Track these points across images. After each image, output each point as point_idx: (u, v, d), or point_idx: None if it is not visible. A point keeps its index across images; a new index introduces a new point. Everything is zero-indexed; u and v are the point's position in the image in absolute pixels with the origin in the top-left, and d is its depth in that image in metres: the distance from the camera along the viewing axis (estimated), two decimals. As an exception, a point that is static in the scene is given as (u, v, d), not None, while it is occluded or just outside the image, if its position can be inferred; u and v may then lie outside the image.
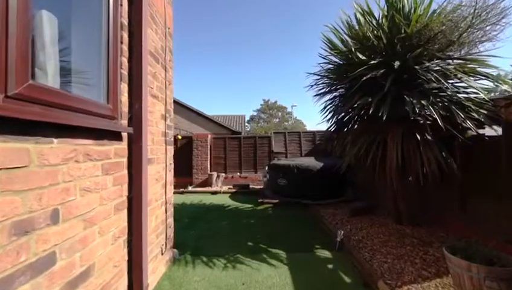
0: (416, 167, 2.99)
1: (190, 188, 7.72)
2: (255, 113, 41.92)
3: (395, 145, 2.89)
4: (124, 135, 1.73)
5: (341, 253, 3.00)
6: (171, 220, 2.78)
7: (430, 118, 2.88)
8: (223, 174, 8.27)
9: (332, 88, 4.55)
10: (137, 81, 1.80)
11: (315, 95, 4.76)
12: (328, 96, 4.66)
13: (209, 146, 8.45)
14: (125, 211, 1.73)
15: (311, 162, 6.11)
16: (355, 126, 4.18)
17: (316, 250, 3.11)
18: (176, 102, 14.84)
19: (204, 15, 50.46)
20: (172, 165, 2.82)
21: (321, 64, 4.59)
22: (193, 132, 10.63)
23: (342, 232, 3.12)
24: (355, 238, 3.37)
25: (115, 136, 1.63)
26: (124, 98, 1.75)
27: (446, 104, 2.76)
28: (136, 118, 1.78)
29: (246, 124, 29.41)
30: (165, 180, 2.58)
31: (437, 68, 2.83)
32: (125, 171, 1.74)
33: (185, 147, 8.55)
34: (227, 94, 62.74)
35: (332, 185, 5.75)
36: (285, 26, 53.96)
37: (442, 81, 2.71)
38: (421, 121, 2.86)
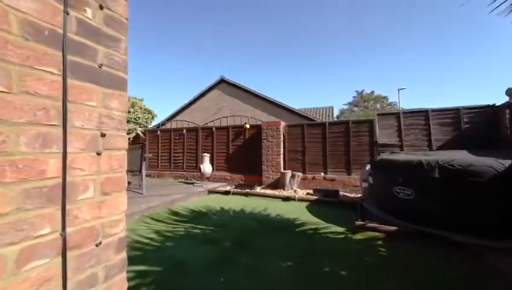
0: None
1: (258, 189, 6.07)
2: (345, 107, 36.85)
3: None
4: None
5: None
6: None
7: None
8: (300, 173, 6.13)
9: None
10: None
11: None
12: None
13: (282, 137, 6.53)
14: None
15: (471, 158, 3.03)
16: None
17: None
18: (250, 92, 13.91)
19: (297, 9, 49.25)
20: (118, 139, 1.07)
21: None
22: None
23: None
24: None
25: None
26: None
27: None
28: None
29: (335, 119, 25.66)
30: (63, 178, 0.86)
31: None
32: None
33: (253, 139, 7.02)
34: (312, 89, 59.02)
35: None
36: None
37: None
38: None
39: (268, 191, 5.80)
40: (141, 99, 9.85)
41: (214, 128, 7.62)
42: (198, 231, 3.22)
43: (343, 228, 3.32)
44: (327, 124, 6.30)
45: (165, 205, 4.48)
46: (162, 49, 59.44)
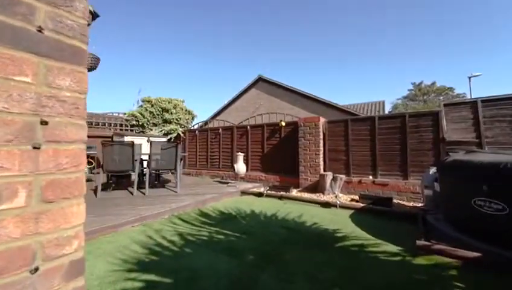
0: None
1: (294, 192, 5.56)
2: (399, 101, 32.88)
3: None
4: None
5: None
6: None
7: None
8: (343, 176, 5.38)
9: None
10: None
11: None
12: None
13: (321, 134, 5.87)
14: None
15: None
16: None
17: None
18: (288, 89, 13.30)
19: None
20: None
21: None
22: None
23: None
24: None
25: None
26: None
27: None
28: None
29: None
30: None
31: None
32: None
33: (289, 137, 6.52)
34: (358, 89, 54.50)
35: None
36: None
37: None
38: None
39: (306, 195, 5.24)
40: (182, 101, 10.32)
41: (248, 127, 7.38)
42: (222, 236, 2.95)
43: (399, 248, 2.61)
44: (377, 118, 5.38)
45: (196, 205, 4.38)
46: (204, 51, 63.04)
